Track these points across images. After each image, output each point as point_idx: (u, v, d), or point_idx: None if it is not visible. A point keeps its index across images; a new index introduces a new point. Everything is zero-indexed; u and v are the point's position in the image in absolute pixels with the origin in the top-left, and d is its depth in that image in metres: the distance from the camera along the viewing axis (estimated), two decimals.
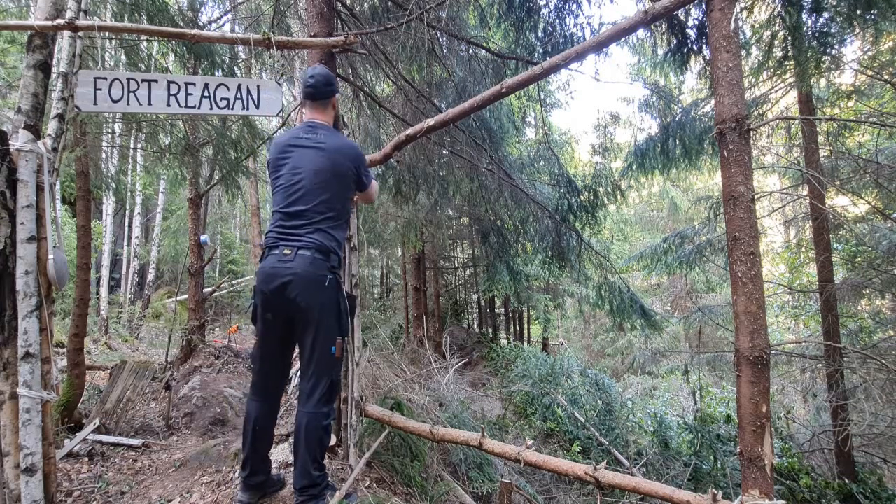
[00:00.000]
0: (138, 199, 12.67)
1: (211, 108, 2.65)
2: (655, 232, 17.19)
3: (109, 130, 7.33)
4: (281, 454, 2.59)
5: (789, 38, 3.60)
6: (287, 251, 1.93)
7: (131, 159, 11.31)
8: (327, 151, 2.06)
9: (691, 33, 3.77)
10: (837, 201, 7.52)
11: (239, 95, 2.69)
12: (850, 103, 5.90)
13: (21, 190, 1.91)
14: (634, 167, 5.76)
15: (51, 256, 1.97)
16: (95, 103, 2.46)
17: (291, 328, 2.02)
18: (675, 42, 3.85)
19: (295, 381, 4.95)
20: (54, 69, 2.14)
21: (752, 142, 1.79)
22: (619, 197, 5.54)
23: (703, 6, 1.90)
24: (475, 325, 14.71)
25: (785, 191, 7.18)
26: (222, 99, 2.66)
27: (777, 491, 4.06)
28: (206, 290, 6.68)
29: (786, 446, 5.61)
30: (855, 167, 5.39)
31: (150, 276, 12.42)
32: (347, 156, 2.11)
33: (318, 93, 2.15)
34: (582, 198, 5.23)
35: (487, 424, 5.49)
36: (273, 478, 2.29)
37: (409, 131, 2.54)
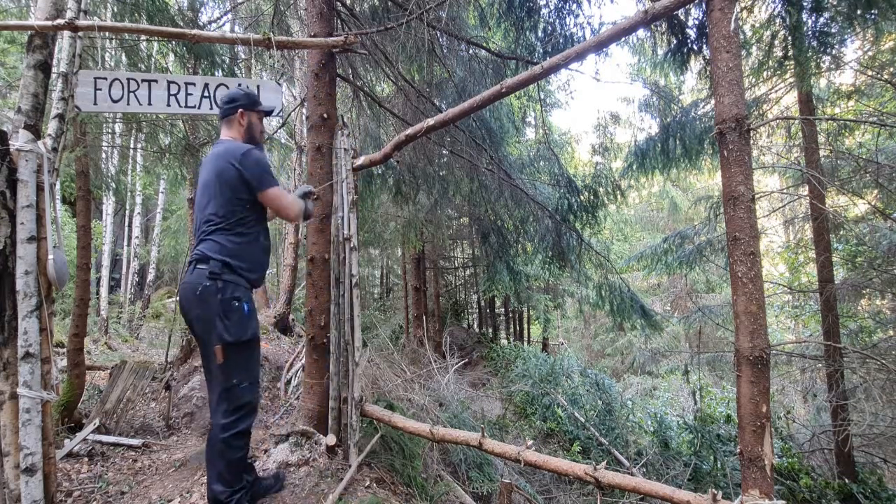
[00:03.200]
0: (138, 199, 12.67)
1: (211, 108, 2.67)
2: (655, 232, 17.16)
3: (109, 130, 7.33)
4: (280, 454, 2.59)
5: (789, 37, 3.60)
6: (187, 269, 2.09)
7: (131, 159, 11.30)
8: (214, 161, 2.06)
9: (691, 33, 3.77)
10: (837, 201, 7.51)
11: None
12: (850, 103, 5.90)
13: (21, 190, 1.91)
14: (634, 167, 5.76)
15: (51, 256, 1.97)
16: (95, 103, 2.47)
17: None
18: (675, 42, 3.85)
19: (295, 381, 4.95)
20: (54, 69, 2.14)
21: (752, 142, 1.80)
22: (619, 197, 5.55)
23: (703, 6, 1.90)
24: (475, 325, 14.70)
25: (785, 191, 7.17)
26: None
27: (777, 491, 4.06)
28: None
29: (786, 446, 5.61)
30: (855, 167, 5.39)
31: (150, 276, 12.41)
32: (232, 155, 2.02)
33: (221, 111, 2.22)
34: (582, 198, 5.23)
35: (487, 424, 5.49)
36: (269, 479, 2.29)
37: (409, 131, 2.55)
